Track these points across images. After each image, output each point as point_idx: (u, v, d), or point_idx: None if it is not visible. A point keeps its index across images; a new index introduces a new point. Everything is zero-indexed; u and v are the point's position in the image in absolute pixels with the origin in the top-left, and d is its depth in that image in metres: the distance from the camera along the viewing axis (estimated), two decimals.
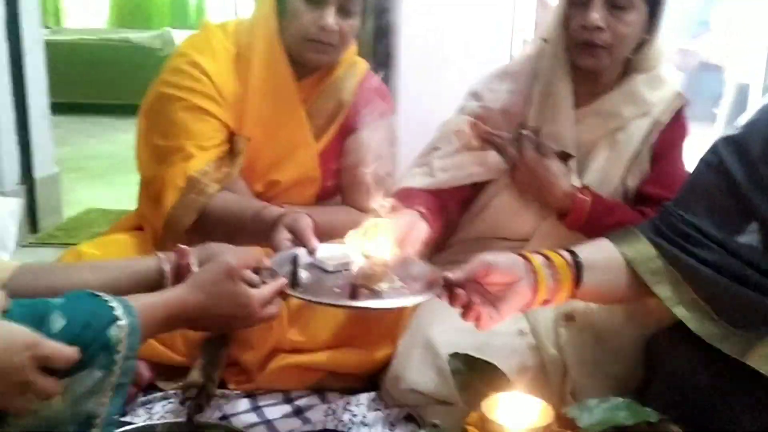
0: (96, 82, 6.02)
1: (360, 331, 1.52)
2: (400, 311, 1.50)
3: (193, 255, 1.08)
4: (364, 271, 1.12)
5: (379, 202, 1.40)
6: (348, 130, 1.67)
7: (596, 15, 1.42)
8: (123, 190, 3.74)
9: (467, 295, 1.13)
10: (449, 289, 1.13)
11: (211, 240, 1.14)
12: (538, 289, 1.15)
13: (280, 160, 1.61)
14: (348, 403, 1.46)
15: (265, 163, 1.60)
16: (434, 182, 1.55)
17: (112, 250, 1.50)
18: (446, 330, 1.40)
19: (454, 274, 1.13)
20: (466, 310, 1.13)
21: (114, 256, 1.44)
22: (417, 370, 1.39)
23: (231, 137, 1.56)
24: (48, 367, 0.77)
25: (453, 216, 1.60)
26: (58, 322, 0.82)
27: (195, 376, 1.38)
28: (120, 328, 0.85)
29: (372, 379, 1.53)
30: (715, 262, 1.16)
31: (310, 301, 1.09)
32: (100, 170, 4.12)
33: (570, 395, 1.37)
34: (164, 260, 1.08)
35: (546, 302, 1.18)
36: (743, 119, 1.25)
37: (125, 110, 6.02)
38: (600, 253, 1.23)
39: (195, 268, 1.07)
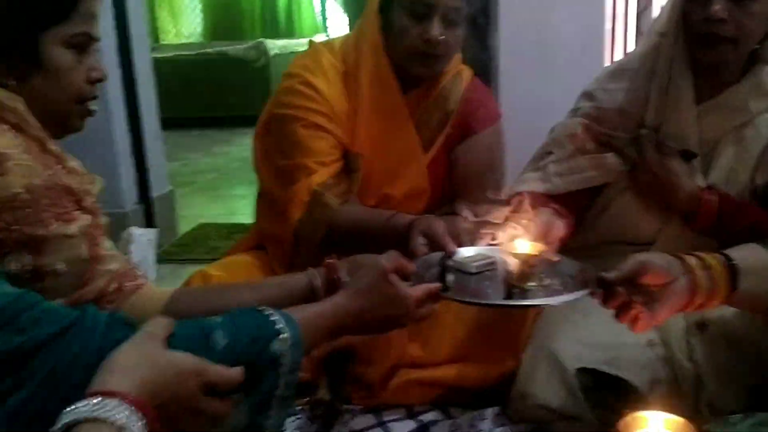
0: (196, 96, 6.22)
1: (481, 344, 1.51)
2: (521, 321, 1.48)
3: (342, 268, 1.11)
4: (513, 270, 1.11)
5: (495, 210, 1.40)
6: (455, 139, 1.66)
7: (718, 6, 1.34)
8: (232, 203, 3.88)
9: (624, 295, 1.09)
10: (605, 289, 1.10)
11: (342, 251, 1.17)
12: (696, 291, 1.10)
13: (392, 174, 1.61)
14: (473, 419, 1.45)
15: (377, 177, 1.61)
16: (551, 187, 1.52)
17: (238, 271, 1.54)
18: (571, 343, 1.37)
19: (609, 274, 1.09)
20: (623, 310, 1.10)
21: (240, 277, 1.49)
22: (544, 386, 1.36)
23: (345, 154, 1.57)
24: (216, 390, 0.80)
25: (571, 221, 1.56)
26: (221, 340, 0.84)
27: (322, 393, 1.41)
28: (283, 341, 0.87)
29: (496, 393, 1.51)
30: None
31: (465, 302, 1.10)
32: (208, 184, 4.28)
33: (706, 409, 1.31)
34: (315, 275, 1.11)
35: (701, 306, 1.13)
36: None
37: (226, 122, 6.23)
38: (756, 259, 1.17)
39: (345, 280, 1.09)
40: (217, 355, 0.82)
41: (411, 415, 1.50)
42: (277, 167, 1.57)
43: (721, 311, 1.35)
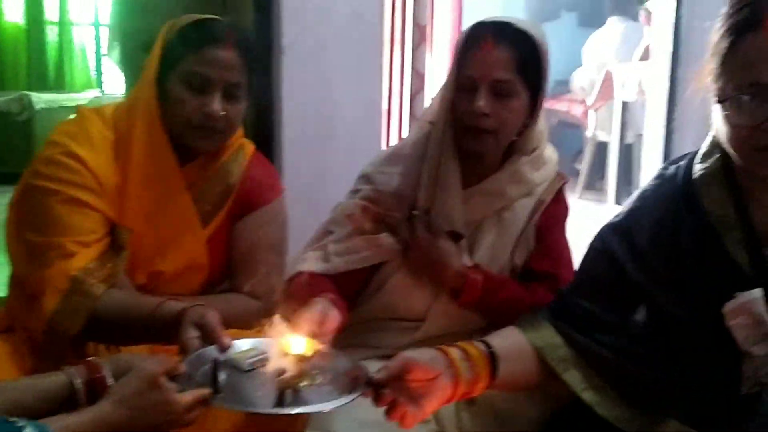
0: None
1: (259, 428, 1.44)
2: None
3: (106, 367, 1.03)
4: (284, 371, 1.10)
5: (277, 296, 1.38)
6: (237, 213, 1.62)
7: (482, 102, 1.46)
8: None
9: (391, 394, 1.11)
10: (374, 390, 1.12)
11: (101, 342, 1.08)
12: (459, 382, 1.15)
13: (165, 248, 1.53)
14: None
15: (149, 253, 1.51)
16: (330, 267, 1.54)
17: None
18: (350, 423, 1.37)
19: (378, 374, 1.12)
20: (391, 409, 1.12)
21: None
22: None
23: (112, 230, 1.47)
24: None
25: (350, 299, 1.58)
26: None
27: None
28: None
29: None
30: (613, 345, 1.21)
31: (234, 409, 1.08)
32: None
33: None
34: (75, 374, 1.01)
35: (466, 394, 1.19)
36: (626, 204, 1.33)
37: None
38: (510, 343, 1.26)
39: (110, 380, 1.01)
40: None
41: None
42: (30, 244, 1.41)
43: None
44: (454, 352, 1.18)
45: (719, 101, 1.12)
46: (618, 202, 4.94)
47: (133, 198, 1.48)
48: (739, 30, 1.08)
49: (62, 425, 0.88)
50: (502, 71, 1.46)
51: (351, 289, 1.57)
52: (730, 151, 1.15)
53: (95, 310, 1.35)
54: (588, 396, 1.21)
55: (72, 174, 1.41)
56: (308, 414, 1.45)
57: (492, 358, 1.21)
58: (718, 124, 1.16)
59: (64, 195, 1.40)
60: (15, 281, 1.48)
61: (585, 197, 5.43)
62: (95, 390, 1.00)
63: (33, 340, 1.41)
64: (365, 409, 1.38)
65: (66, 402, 0.99)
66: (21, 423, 0.82)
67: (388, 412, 1.12)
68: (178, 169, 1.51)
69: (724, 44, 1.10)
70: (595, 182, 5.68)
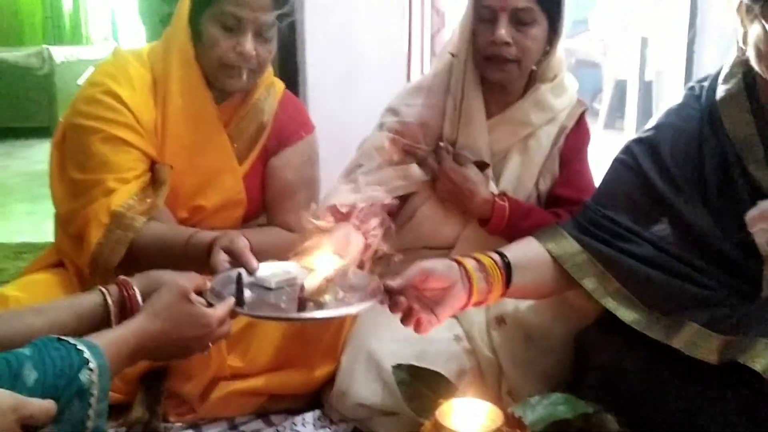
0: None
1: (299, 351, 1.53)
2: (339, 326, 1.54)
3: (135, 285, 1.08)
4: (308, 285, 1.15)
5: (307, 220, 1.44)
6: (270, 150, 1.68)
7: (503, 31, 1.49)
8: (16, 221, 3.56)
9: (407, 302, 1.17)
10: (390, 297, 1.17)
11: (142, 270, 1.14)
12: (472, 292, 1.21)
13: (205, 185, 1.59)
14: (294, 424, 1.47)
15: (189, 189, 1.58)
16: (361, 198, 1.59)
17: (37, 290, 1.44)
18: (385, 341, 1.45)
19: (393, 282, 1.16)
20: (406, 316, 1.17)
21: (40, 297, 1.37)
22: (362, 384, 1.43)
23: (152, 166, 1.53)
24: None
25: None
26: (31, 374, 0.81)
27: (138, 412, 1.36)
28: (91, 371, 0.85)
29: (315, 397, 1.55)
30: (634, 253, 1.27)
31: (259, 316, 1.13)
32: None
33: (507, 395, 1.45)
34: (107, 293, 1.07)
35: (479, 303, 1.24)
36: (651, 122, 1.37)
37: (7, 134, 5.72)
38: (527, 253, 1.31)
39: (139, 296, 1.07)
40: (27, 390, 0.80)
41: (232, 426, 1.49)
42: (73, 182, 1.48)
43: (516, 306, 1.51)
44: (469, 262, 1.23)
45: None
46: None
47: (172, 136, 1.53)
48: None
49: (106, 341, 0.93)
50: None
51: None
52: (759, 68, 1.18)
53: (135, 241, 1.42)
54: (607, 302, 1.27)
55: (112, 112, 1.47)
56: (347, 337, 1.53)
57: (507, 267, 1.26)
58: (748, 42, 1.19)
59: (106, 133, 1.46)
60: (60, 219, 1.56)
61: (605, 136, 5.41)
62: (127, 307, 1.06)
63: (80, 274, 1.49)
64: (397, 329, 1.46)
65: (101, 320, 1.04)
66: (73, 341, 0.88)
67: (404, 319, 1.17)
68: (215, 107, 1.57)
69: None
70: (614, 121, 5.65)
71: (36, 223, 3.51)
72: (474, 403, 1.06)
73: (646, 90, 5.12)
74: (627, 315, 1.25)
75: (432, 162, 1.60)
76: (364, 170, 1.63)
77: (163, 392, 1.45)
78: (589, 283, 1.29)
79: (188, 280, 1.07)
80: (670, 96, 3.69)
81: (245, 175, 1.64)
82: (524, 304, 1.50)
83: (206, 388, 1.49)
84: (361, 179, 1.62)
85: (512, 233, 1.57)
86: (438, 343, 1.44)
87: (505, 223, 1.57)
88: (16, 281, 1.53)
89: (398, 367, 1.33)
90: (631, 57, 5.06)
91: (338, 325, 1.54)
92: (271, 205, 1.69)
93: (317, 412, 1.50)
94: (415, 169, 1.61)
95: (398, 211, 1.65)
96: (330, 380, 1.51)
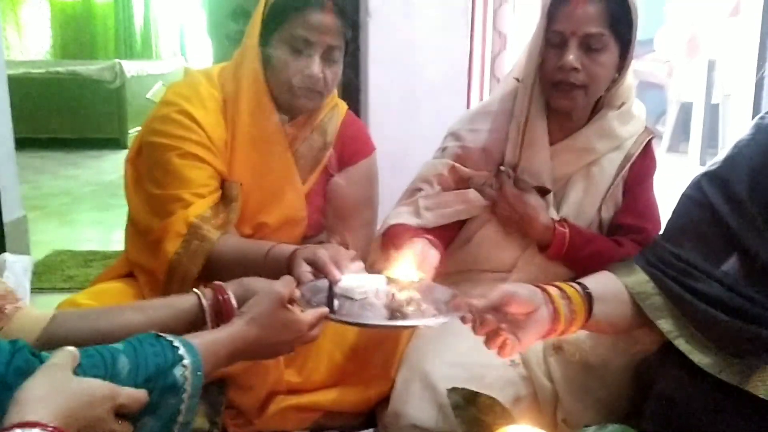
0: (45, 117, 5.90)
1: (356, 368, 1.55)
2: (394, 345, 1.56)
3: (230, 290, 1.14)
4: (393, 296, 1.18)
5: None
6: (332, 170, 1.71)
7: (572, 56, 1.48)
8: (86, 229, 3.70)
9: (493, 322, 1.17)
10: (475, 316, 1.18)
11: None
12: (559, 319, 1.21)
13: (268, 202, 1.63)
14: None
15: (254, 206, 1.62)
16: (421, 221, 1.61)
17: (108, 299, 1.49)
18: (441, 363, 1.45)
19: (478, 302, 1.18)
20: (491, 337, 1.18)
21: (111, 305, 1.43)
22: (416, 406, 1.43)
23: (222, 184, 1.58)
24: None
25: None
26: (125, 366, 0.86)
27: (199, 422, 1.40)
28: (185, 368, 0.89)
29: (370, 416, 1.56)
30: (705, 293, 1.24)
31: (350, 323, 1.17)
32: (59, 209, 4.05)
33: (562, 423, 1.43)
34: (203, 296, 1.13)
35: (563, 332, 1.24)
36: (721, 154, 1.34)
37: (78, 144, 5.95)
38: (606, 286, 1.31)
39: (233, 302, 1.12)
40: (120, 382, 0.83)
41: None
42: (151, 196, 1.54)
43: (574, 334, 1.49)
44: (553, 290, 1.23)
45: None
46: (702, 164, 4.83)
47: (241, 154, 1.58)
48: None
49: (204, 341, 0.97)
50: (593, 25, 1.47)
51: (441, 242, 1.64)
52: None
53: (212, 253, 1.47)
54: (681, 344, 1.24)
55: (186, 131, 1.52)
56: (404, 352, 1.54)
57: (589, 298, 1.25)
58: None
59: (180, 150, 1.51)
60: (134, 231, 1.61)
61: (667, 160, 5.31)
62: (220, 311, 1.11)
63: (152, 285, 1.54)
64: (454, 352, 1.47)
65: (196, 321, 1.10)
66: (170, 338, 0.92)
67: (488, 340, 1.18)
68: (281, 128, 1.61)
69: None
70: (678, 144, 5.55)
71: (104, 232, 3.65)
72: (529, 430, 1.06)
73: (713, 113, 5.01)
74: (701, 358, 1.22)
75: (490, 190, 1.61)
76: (424, 194, 1.65)
77: (224, 403, 1.48)
78: (665, 325, 1.27)
79: (285, 286, 1.11)
80: (737, 120, 3.60)
81: (307, 194, 1.67)
82: (583, 332, 1.49)
83: (264, 402, 1.53)
84: (421, 202, 1.64)
85: (572, 260, 1.57)
86: (494, 368, 1.44)
87: (565, 250, 1.56)
88: (87, 290, 1.59)
89: (453, 390, 1.34)
90: (697, 79, 4.97)
91: (393, 344, 1.55)
92: (330, 223, 1.72)
93: (372, 431, 1.52)
94: (474, 193, 1.62)
95: (457, 234, 1.66)
96: (385, 399, 1.52)
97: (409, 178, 1.73)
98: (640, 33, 1.58)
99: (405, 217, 1.62)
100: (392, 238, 1.55)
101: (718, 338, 1.23)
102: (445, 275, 1.67)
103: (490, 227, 1.63)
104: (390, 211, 1.69)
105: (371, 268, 1.34)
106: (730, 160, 1.32)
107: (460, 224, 1.66)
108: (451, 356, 1.46)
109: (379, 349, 1.55)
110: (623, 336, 1.43)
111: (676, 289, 1.27)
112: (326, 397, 1.54)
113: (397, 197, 1.73)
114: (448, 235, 1.65)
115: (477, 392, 1.27)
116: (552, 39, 1.52)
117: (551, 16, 1.51)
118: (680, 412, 1.21)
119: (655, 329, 1.28)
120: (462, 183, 1.64)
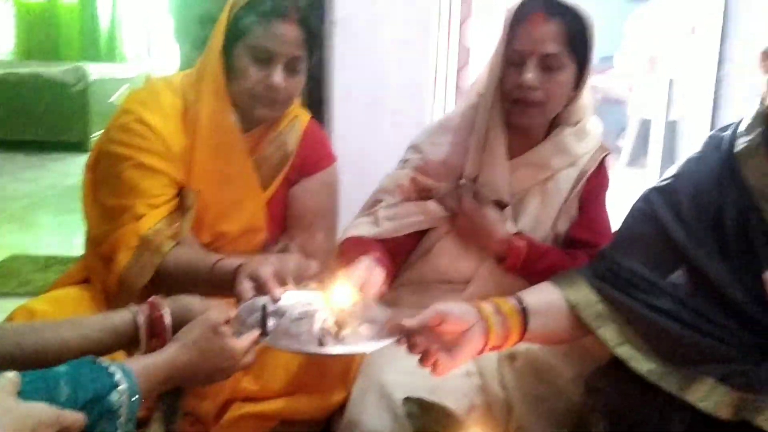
0: (6, 118, 5.82)
1: (313, 377, 1.56)
2: (352, 357, 1.56)
3: (166, 307, 1.14)
4: (328, 318, 1.19)
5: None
6: (292, 179, 1.72)
7: (531, 75, 1.52)
8: (46, 233, 3.65)
9: (425, 343, 1.19)
10: (408, 337, 1.19)
11: (166, 294, 1.19)
12: (489, 336, 1.23)
13: (228, 211, 1.63)
14: None
15: (213, 214, 1.62)
16: (380, 231, 1.62)
17: (65, 305, 1.48)
18: (398, 373, 1.46)
19: (410, 322, 1.19)
20: (424, 356, 1.20)
21: (67, 312, 1.41)
22: (372, 415, 1.44)
23: (180, 191, 1.58)
24: None
25: (398, 261, 1.68)
26: (64, 391, 0.86)
27: (155, 428, 1.39)
28: (120, 393, 0.91)
29: (326, 425, 1.57)
30: (652, 304, 1.28)
31: (280, 348, 1.16)
32: (20, 212, 3.99)
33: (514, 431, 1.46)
34: (138, 313, 1.13)
35: (496, 348, 1.27)
36: (672, 169, 1.39)
37: (39, 147, 5.85)
38: (544, 299, 1.33)
39: (168, 319, 1.13)
40: (59, 406, 0.84)
41: None
42: (104, 206, 1.53)
43: (528, 344, 1.52)
44: (486, 307, 1.26)
45: None
46: None
47: (199, 162, 1.58)
48: None
49: (139, 366, 0.99)
50: (551, 45, 1.51)
51: (400, 252, 1.67)
52: None
53: (162, 265, 1.46)
54: (622, 351, 1.27)
55: (142, 140, 1.52)
56: (358, 365, 1.56)
57: (524, 312, 1.28)
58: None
59: (135, 160, 1.51)
60: (90, 240, 1.60)
61: (627, 175, 5.41)
62: (156, 328, 1.12)
63: (107, 291, 1.54)
64: (410, 361, 1.48)
65: (131, 338, 1.11)
66: (105, 363, 0.94)
67: (422, 359, 1.20)
68: (241, 136, 1.62)
69: None
70: (638, 159, 5.65)
71: (65, 236, 3.59)
72: None
73: (671, 130, 5.12)
74: (641, 365, 1.25)
75: (450, 201, 1.63)
76: (384, 205, 1.67)
77: (180, 410, 1.48)
78: (605, 333, 1.30)
79: (218, 312, 1.12)
80: (694, 137, 3.69)
81: (267, 203, 1.68)
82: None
83: (221, 409, 1.53)
84: (381, 213, 1.66)
85: (529, 272, 1.60)
86: (450, 378, 1.44)
87: (522, 262, 1.59)
88: (44, 295, 1.57)
89: (408, 400, 1.36)
90: (656, 96, 5.08)
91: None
92: (290, 231, 1.73)
93: None
94: (433, 204, 1.64)
95: (416, 244, 1.68)
96: (342, 408, 1.53)
97: (371, 189, 1.74)
98: (602, 49, 1.62)
99: (364, 227, 1.64)
100: (347, 251, 1.57)
101: (662, 347, 1.26)
102: (404, 286, 1.71)
103: (450, 239, 1.66)
104: (351, 221, 1.70)
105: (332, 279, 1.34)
106: (679, 176, 1.36)
107: (420, 235, 1.68)
108: (407, 365, 1.47)
109: (336, 359, 1.55)
110: (576, 346, 1.46)
111: (622, 298, 1.30)
112: (283, 405, 1.54)
113: (359, 207, 1.75)
114: (407, 246, 1.68)
115: (432, 402, 1.30)
116: (511, 57, 1.55)
117: (511, 34, 1.54)
118: (627, 428, 1.24)
119: None
120: (423, 194, 1.66)
